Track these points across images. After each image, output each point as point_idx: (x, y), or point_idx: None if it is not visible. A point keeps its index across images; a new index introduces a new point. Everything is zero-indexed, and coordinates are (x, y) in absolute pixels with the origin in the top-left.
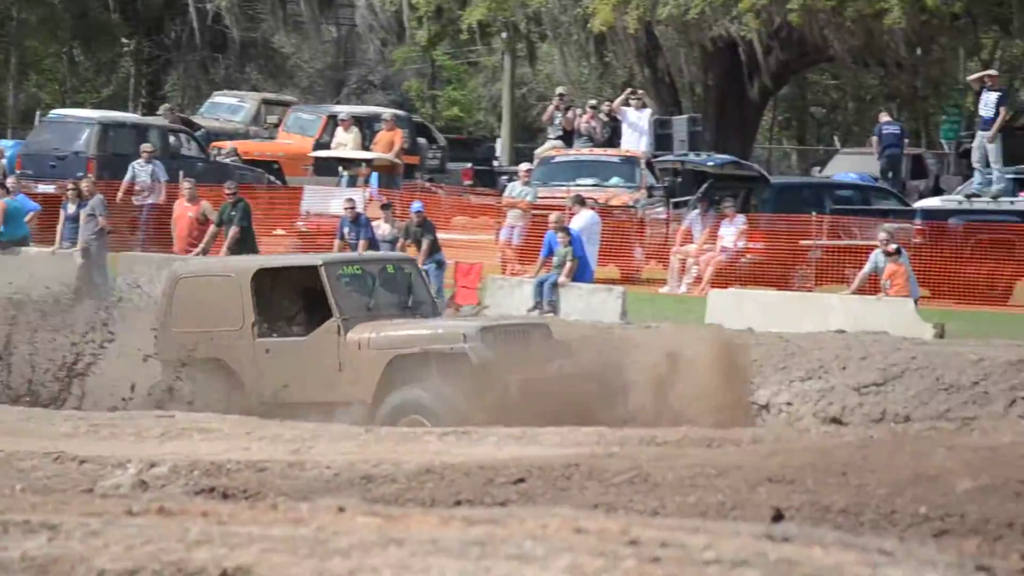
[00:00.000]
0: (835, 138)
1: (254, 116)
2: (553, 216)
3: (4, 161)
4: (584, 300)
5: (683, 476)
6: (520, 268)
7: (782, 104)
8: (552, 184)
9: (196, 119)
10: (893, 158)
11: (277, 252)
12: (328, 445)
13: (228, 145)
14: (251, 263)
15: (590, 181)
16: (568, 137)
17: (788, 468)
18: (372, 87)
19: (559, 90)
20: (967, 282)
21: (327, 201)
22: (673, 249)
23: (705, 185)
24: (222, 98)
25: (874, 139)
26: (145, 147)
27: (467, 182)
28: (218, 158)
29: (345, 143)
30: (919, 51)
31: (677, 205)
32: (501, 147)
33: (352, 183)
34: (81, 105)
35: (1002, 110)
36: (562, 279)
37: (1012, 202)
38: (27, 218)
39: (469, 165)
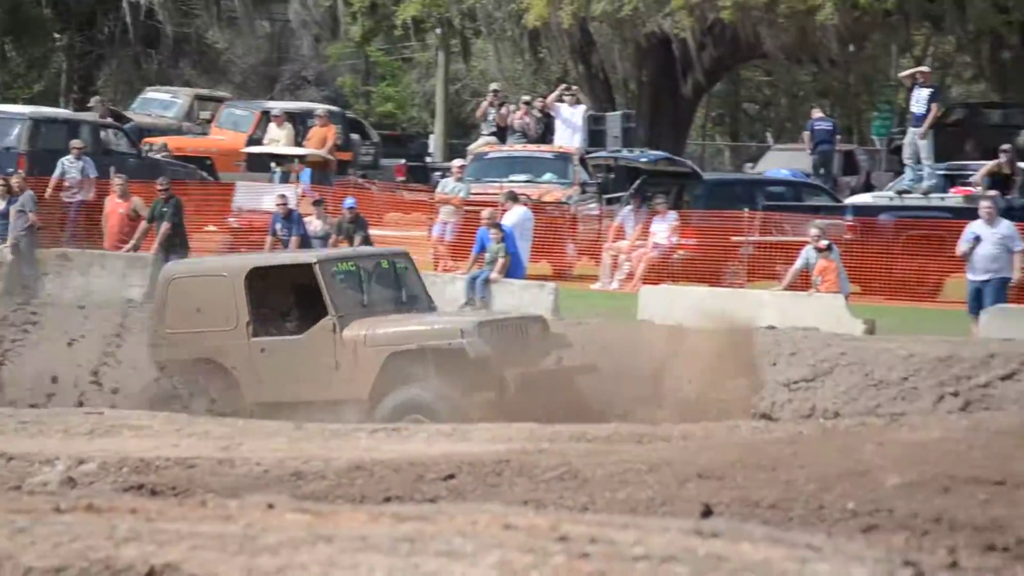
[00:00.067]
0: (768, 134)
1: (187, 112)
2: (485, 212)
3: None
4: (516, 296)
5: (613, 472)
6: (452, 264)
7: (715, 100)
8: (485, 180)
9: (129, 114)
10: (825, 154)
11: (208, 249)
12: (258, 442)
13: (159, 141)
14: (244, 262)
15: (523, 177)
16: (501, 133)
17: (718, 464)
18: (306, 83)
19: (493, 86)
20: (898, 278)
21: (259, 197)
22: (605, 245)
23: (638, 181)
24: (155, 94)
25: (806, 135)
26: (75, 143)
27: (400, 178)
28: (150, 154)
29: (278, 139)
30: (851, 48)
31: (610, 201)
32: (434, 143)
33: (284, 179)
34: (13, 101)
35: (934, 106)
36: (494, 275)
37: (943, 198)
38: None
39: (402, 161)
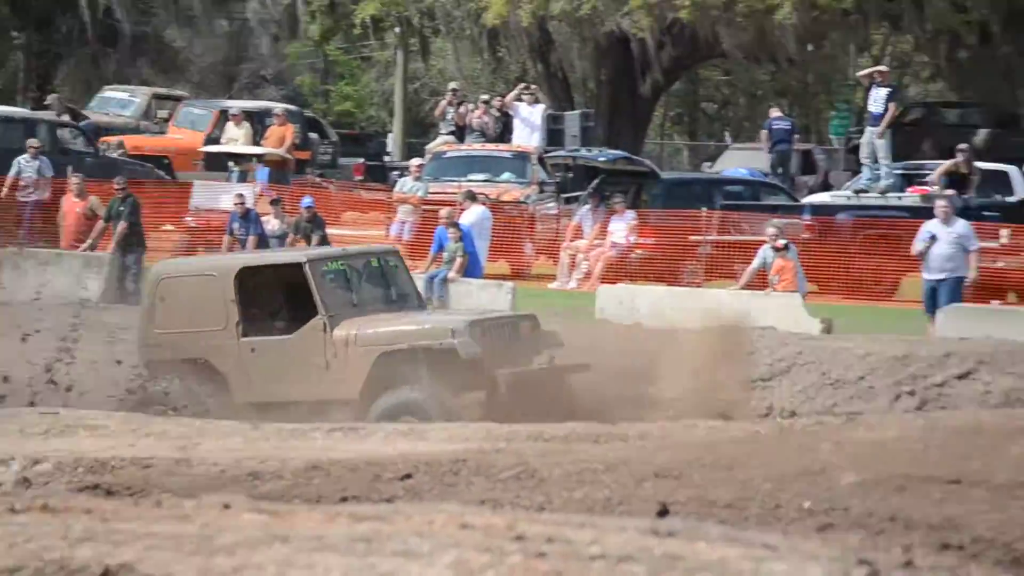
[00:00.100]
0: (726, 134)
1: (144, 111)
2: (444, 211)
3: None
4: (474, 296)
5: (570, 472)
6: (410, 264)
7: (674, 100)
8: (443, 179)
9: (86, 113)
10: (783, 154)
11: (165, 248)
12: (215, 442)
13: (115, 140)
14: (234, 262)
15: (481, 176)
16: (460, 132)
17: (674, 463)
18: (264, 82)
19: (452, 85)
20: (855, 277)
21: (217, 197)
22: (563, 244)
23: (596, 181)
24: (112, 92)
25: (764, 134)
26: (31, 142)
27: (358, 177)
28: (107, 153)
29: (236, 138)
30: (810, 47)
31: (568, 200)
32: (393, 142)
33: (242, 178)
34: None
35: (891, 106)
36: (452, 275)
37: (900, 197)
38: None
39: (361, 160)
